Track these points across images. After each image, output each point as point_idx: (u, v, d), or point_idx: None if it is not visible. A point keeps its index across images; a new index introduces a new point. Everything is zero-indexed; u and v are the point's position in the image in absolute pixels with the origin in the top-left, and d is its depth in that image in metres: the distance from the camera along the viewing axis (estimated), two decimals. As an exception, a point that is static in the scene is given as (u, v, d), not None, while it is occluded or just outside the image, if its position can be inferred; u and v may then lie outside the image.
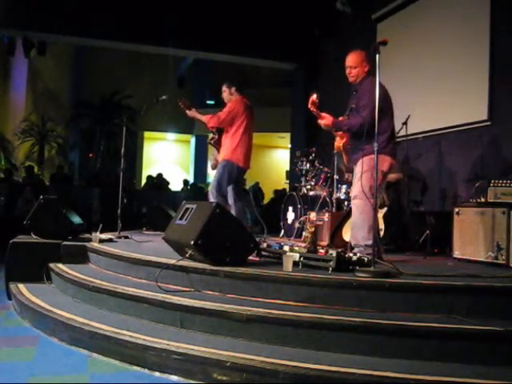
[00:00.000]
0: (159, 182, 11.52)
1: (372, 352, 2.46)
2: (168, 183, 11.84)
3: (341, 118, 3.96)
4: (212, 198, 4.97)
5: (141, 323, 2.93)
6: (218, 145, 5.27)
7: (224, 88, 5.31)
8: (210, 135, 5.47)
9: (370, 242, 3.59)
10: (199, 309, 2.79)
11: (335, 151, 4.29)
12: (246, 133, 5.10)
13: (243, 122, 5.06)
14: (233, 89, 5.25)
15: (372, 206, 3.55)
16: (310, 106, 3.79)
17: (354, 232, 3.80)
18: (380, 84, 3.57)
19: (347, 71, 3.91)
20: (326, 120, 3.83)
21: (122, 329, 2.78)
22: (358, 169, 3.80)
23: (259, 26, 8.58)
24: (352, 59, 3.88)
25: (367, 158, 3.69)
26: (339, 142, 4.04)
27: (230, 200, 5.10)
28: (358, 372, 2.24)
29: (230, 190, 5.11)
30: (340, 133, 4.03)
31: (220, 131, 5.25)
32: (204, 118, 5.19)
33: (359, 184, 3.64)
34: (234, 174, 5.08)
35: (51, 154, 14.85)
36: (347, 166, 4.33)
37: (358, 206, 3.72)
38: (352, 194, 3.85)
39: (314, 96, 3.78)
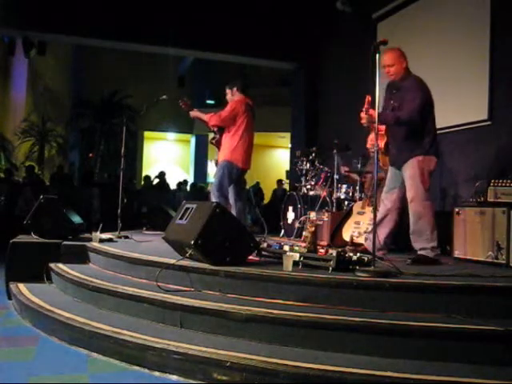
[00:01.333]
0: (161, 180, 11.50)
1: (372, 352, 2.45)
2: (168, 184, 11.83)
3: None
4: (214, 199, 4.97)
5: (141, 323, 2.93)
6: (219, 144, 5.27)
7: (226, 90, 5.31)
8: (212, 135, 5.47)
9: (435, 244, 3.71)
10: (199, 309, 2.79)
11: (370, 150, 4.19)
12: (247, 133, 5.10)
13: (243, 121, 5.06)
14: (234, 89, 5.25)
15: (431, 207, 3.70)
16: (366, 106, 3.66)
17: (416, 237, 3.78)
18: (422, 80, 3.59)
19: (385, 70, 3.82)
20: (371, 112, 3.64)
21: (122, 328, 2.78)
22: (408, 171, 3.76)
23: (259, 25, 8.57)
24: (388, 57, 3.80)
25: (416, 159, 3.71)
26: (379, 142, 3.96)
27: (231, 200, 5.11)
28: (357, 372, 2.24)
29: (230, 190, 5.12)
30: (381, 133, 3.92)
31: (221, 131, 5.25)
32: (205, 117, 5.19)
33: (415, 187, 3.66)
34: (234, 175, 5.08)
35: (51, 154, 14.85)
36: (384, 166, 4.24)
37: (417, 210, 3.71)
38: (409, 198, 3.77)
39: (369, 96, 3.64)
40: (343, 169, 5.72)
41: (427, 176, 3.74)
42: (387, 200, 3.95)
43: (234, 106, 5.08)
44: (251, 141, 5.19)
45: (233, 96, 5.24)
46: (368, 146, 4.14)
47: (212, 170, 5.55)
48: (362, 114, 3.70)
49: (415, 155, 3.72)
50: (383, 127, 4.01)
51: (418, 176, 3.69)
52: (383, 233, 3.89)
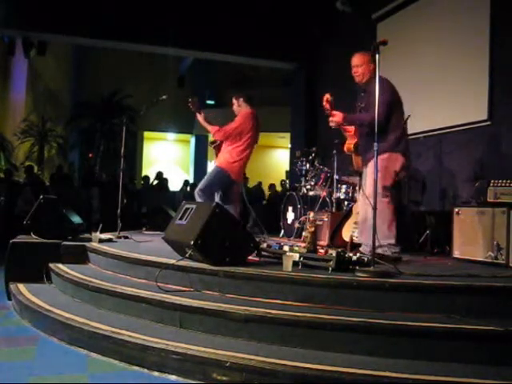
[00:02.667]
0: (160, 181, 11.50)
1: (372, 352, 2.45)
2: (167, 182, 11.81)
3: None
4: (198, 199, 4.89)
5: (140, 323, 2.93)
6: (218, 150, 5.19)
7: (233, 100, 5.19)
8: (212, 138, 5.42)
9: (393, 241, 3.66)
10: (198, 309, 2.79)
11: (347, 152, 4.26)
12: (250, 149, 5.04)
13: (248, 139, 4.98)
14: (240, 100, 5.12)
15: (387, 204, 3.65)
16: (324, 103, 3.79)
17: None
18: (387, 80, 3.59)
19: (353, 71, 3.92)
20: (336, 117, 3.81)
21: (122, 328, 2.78)
22: (369, 169, 3.78)
23: (259, 25, 8.58)
24: (357, 59, 3.89)
25: (380, 156, 3.58)
26: (349, 144, 4.02)
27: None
28: (357, 372, 2.24)
29: (216, 197, 5.07)
30: (351, 133, 4.00)
31: None
32: (211, 129, 5.09)
33: (371, 183, 3.59)
34: (224, 183, 5.02)
35: (51, 154, 14.85)
36: (357, 169, 4.26)
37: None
38: (366, 194, 3.74)
39: (328, 95, 3.81)
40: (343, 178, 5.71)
41: (390, 174, 3.70)
42: (364, 204, 3.87)
43: (241, 123, 4.96)
44: (250, 154, 5.12)
45: (240, 107, 5.11)
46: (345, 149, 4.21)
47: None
48: (330, 118, 3.82)
49: (380, 153, 3.58)
50: (352, 128, 4.11)
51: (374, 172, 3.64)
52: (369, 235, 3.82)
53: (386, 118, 3.65)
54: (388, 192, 3.70)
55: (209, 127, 5.11)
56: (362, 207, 3.93)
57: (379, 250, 3.64)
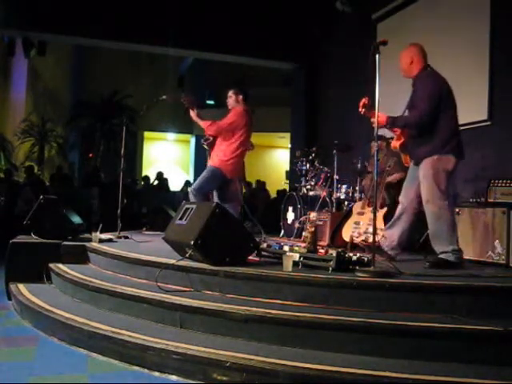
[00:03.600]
0: (160, 181, 11.51)
1: (372, 352, 2.45)
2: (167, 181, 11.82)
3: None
4: (193, 198, 4.85)
5: (140, 323, 2.93)
6: (211, 148, 5.11)
7: (230, 93, 5.11)
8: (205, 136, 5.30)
9: (456, 246, 3.54)
10: (199, 309, 2.79)
11: (393, 149, 4.16)
12: (243, 146, 5.01)
13: (242, 135, 4.94)
14: (240, 97, 5.08)
15: (448, 208, 3.53)
16: (361, 109, 3.61)
17: (435, 239, 3.61)
18: (434, 73, 3.51)
19: (401, 73, 3.84)
20: (380, 117, 3.55)
21: (122, 329, 2.78)
22: (422, 171, 3.63)
23: (259, 25, 8.58)
24: (401, 58, 3.84)
25: (431, 158, 3.57)
26: (396, 143, 3.89)
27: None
28: (357, 372, 2.24)
29: (215, 195, 5.10)
30: (398, 132, 3.85)
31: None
32: (203, 124, 5.03)
33: (429, 188, 3.54)
34: (219, 182, 5.00)
35: (51, 154, 14.86)
36: (406, 164, 4.10)
37: (432, 211, 3.55)
38: (423, 200, 3.65)
39: (365, 99, 3.61)
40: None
41: (443, 176, 3.56)
42: (404, 198, 3.80)
43: (235, 119, 4.92)
44: (245, 152, 5.11)
45: (237, 103, 5.07)
46: (392, 147, 4.06)
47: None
48: (372, 119, 3.59)
49: (429, 155, 3.59)
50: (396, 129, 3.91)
51: (431, 176, 3.54)
52: (396, 233, 3.78)
53: (430, 115, 3.49)
54: (445, 195, 3.55)
55: (201, 122, 5.06)
56: (404, 205, 3.79)
57: (442, 256, 3.56)
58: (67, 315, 3.07)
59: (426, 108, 3.51)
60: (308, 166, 6.25)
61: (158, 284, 3.14)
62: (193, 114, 5.12)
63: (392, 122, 3.65)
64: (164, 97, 5.28)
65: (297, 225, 5.95)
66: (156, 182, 11.54)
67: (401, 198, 3.86)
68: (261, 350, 2.47)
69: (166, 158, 18.47)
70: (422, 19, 6.59)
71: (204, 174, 5.06)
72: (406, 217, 3.78)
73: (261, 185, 12.06)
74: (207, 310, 2.76)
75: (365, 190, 5.21)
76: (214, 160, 5.01)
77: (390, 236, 3.81)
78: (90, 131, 15.95)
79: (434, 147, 3.58)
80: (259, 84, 16.13)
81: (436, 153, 3.58)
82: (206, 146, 5.19)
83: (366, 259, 3.17)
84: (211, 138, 5.11)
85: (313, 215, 5.39)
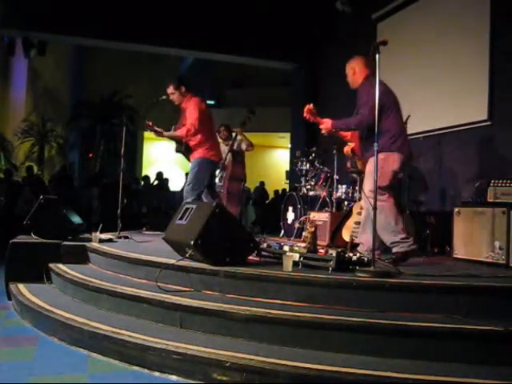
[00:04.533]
0: (161, 181, 11.49)
1: (372, 352, 2.45)
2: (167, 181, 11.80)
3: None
4: (188, 196, 4.89)
5: (140, 323, 2.93)
6: (188, 153, 5.11)
7: (171, 90, 5.03)
8: (176, 145, 5.25)
9: (404, 235, 3.67)
10: (199, 309, 2.79)
11: (346, 155, 4.34)
12: (211, 131, 5.14)
13: (207, 122, 5.00)
14: (183, 88, 5.02)
15: (387, 200, 3.68)
16: (305, 114, 3.86)
17: (383, 232, 3.70)
18: (380, 82, 3.57)
19: (347, 79, 3.99)
20: (325, 124, 3.87)
21: (122, 329, 2.78)
22: (367, 168, 3.82)
23: (259, 25, 8.58)
24: (347, 68, 3.98)
25: (374, 157, 3.63)
26: (348, 147, 4.10)
27: (204, 194, 5.11)
28: (357, 372, 2.24)
29: (205, 196, 5.14)
30: (347, 138, 4.06)
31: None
32: (179, 133, 4.97)
33: (370, 184, 3.61)
34: (210, 169, 5.09)
35: (51, 154, 14.86)
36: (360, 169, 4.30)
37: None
38: (366, 194, 3.76)
39: (310, 105, 3.87)
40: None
41: (387, 175, 3.69)
42: (365, 202, 3.87)
43: (199, 109, 4.88)
44: (216, 137, 5.29)
45: (183, 96, 5.02)
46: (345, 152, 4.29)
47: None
48: (320, 126, 3.88)
49: (371, 155, 3.63)
50: (347, 133, 4.18)
51: (372, 172, 3.57)
52: (370, 237, 3.79)
53: (372, 118, 3.51)
54: (385, 191, 3.71)
55: (177, 133, 5.02)
56: (364, 207, 3.94)
57: (393, 247, 3.69)
58: (67, 315, 3.07)
59: (366, 114, 3.63)
60: (308, 166, 6.25)
61: (158, 284, 3.14)
62: (166, 134, 5.13)
63: (336, 126, 3.87)
64: (164, 97, 5.27)
65: (297, 225, 5.95)
66: (156, 182, 11.53)
67: (362, 203, 3.99)
68: (261, 350, 2.47)
69: (166, 158, 18.43)
70: (422, 19, 6.60)
71: (192, 169, 5.04)
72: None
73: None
74: (207, 309, 2.76)
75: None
76: (195, 156, 5.06)
77: (366, 241, 3.81)
78: (90, 131, 15.96)
79: (380, 147, 3.61)
80: (259, 84, 16.15)
81: (382, 151, 3.66)
82: (183, 154, 5.21)
83: (366, 259, 3.17)
84: (183, 145, 5.09)
85: (313, 215, 5.39)
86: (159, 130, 5.12)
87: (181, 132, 4.97)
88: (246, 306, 2.77)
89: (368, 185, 3.70)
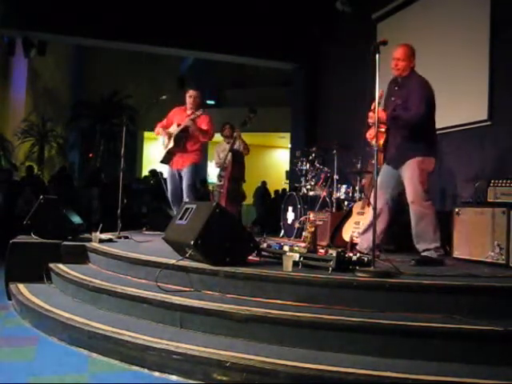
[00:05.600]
0: (156, 179, 11.43)
1: (372, 352, 2.45)
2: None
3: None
4: (188, 194, 5.21)
5: (140, 323, 2.93)
6: (173, 154, 5.55)
7: (194, 93, 5.42)
8: (170, 145, 5.55)
9: (438, 244, 3.68)
10: (199, 309, 2.79)
11: (373, 147, 4.12)
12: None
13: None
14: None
15: (431, 207, 3.68)
16: (379, 99, 3.49)
17: (418, 238, 3.73)
18: (426, 80, 3.56)
19: (393, 63, 3.80)
20: (380, 113, 3.57)
21: (122, 329, 2.78)
22: (408, 172, 3.72)
23: (259, 25, 8.57)
24: (401, 51, 3.80)
25: (416, 160, 3.67)
26: (380, 140, 3.84)
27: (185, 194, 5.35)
28: (357, 372, 2.24)
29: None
30: (384, 129, 3.84)
31: (179, 138, 5.43)
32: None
33: (414, 188, 3.64)
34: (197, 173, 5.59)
35: (51, 154, 14.86)
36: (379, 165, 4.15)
37: (418, 211, 3.68)
38: (409, 200, 3.74)
39: (382, 91, 3.58)
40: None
41: (426, 177, 3.73)
42: (378, 199, 3.75)
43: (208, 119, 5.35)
44: None
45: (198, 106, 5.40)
46: (368, 138, 4.01)
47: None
48: (371, 114, 3.64)
49: (415, 156, 3.70)
50: (384, 125, 3.94)
51: (416, 177, 3.67)
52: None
53: (426, 117, 3.58)
54: (429, 195, 3.71)
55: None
56: (379, 207, 3.77)
57: (426, 253, 3.70)
58: (67, 315, 3.07)
59: (421, 110, 3.59)
60: (308, 166, 6.25)
61: (158, 284, 3.14)
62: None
63: (393, 120, 3.71)
64: (164, 97, 5.29)
65: (297, 225, 5.95)
66: (152, 180, 11.45)
67: (373, 201, 3.88)
68: (261, 350, 2.47)
69: (166, 158, 18.46)
70: (422, 19, 6.59)
71: (188, 174, 5.42)
72: (382, 218, 3.84)
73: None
74: (207, 310, 2.76)
75: (365, 189, 5.21)
76: (190, 160, 5.45)
77: (368, 240, 3.76)
78: (90, 131, 15.95)
79: (420, 149, 3.69)
80: (259, 84, 16.15)
81: (422, 154, 3.69)
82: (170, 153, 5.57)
83: (366, 259, 3.17)
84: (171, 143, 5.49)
85: (313, 215, 5.39)
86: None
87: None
88: (246, 305, 2.77)
89: (412, 192, 3.65)
